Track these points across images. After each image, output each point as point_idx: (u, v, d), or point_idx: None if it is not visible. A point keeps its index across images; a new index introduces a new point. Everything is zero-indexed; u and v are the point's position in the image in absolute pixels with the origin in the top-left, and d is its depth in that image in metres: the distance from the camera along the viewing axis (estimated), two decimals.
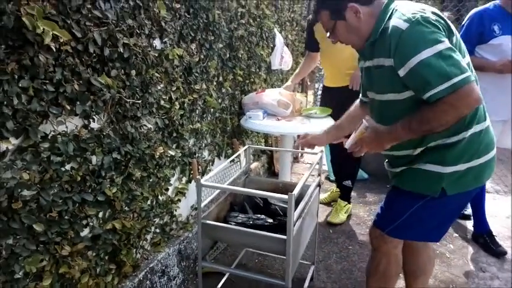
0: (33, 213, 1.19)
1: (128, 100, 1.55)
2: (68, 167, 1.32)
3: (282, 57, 3.22)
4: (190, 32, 1.96)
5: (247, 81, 2.77)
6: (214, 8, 2.13)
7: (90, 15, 1.30)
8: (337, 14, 1.35)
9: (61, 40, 1.18)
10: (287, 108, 2.57)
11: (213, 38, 2.17)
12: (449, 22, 1.24)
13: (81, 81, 1.30)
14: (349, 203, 2.84)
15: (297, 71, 2.91)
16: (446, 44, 1.15)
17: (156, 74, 1.70)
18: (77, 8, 1.25)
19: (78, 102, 1.30)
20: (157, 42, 1.72)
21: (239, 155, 2.51)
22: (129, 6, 1.50)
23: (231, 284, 2.08)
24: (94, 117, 1.40)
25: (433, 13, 1.22)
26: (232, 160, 2.60)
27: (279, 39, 3.13)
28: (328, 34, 1.45)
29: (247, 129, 2.66)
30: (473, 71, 1.27)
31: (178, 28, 1.86)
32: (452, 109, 1.16)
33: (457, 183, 1.32)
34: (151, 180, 1.79)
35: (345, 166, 2.79)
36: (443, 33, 1.18)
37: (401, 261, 1.60)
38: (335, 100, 2.66)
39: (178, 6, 1.81)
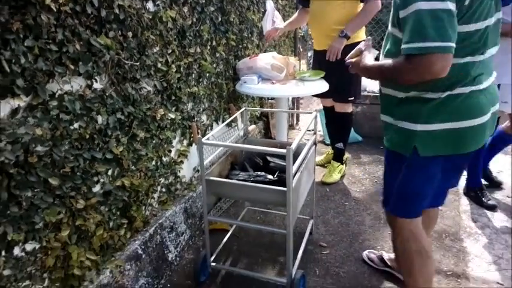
0: (48, 167, 1.27)
1: (127, 62, 1.60)
2: (76, 125, 1.38)
3: (273, 21, 3.22)
4: None
5: (240, 47, 2.81)
6: None
7: None
8: None
9: (60, 1, 1.23)
10: (281, 71, 2.62)
11: (204, 1, 2.20)
12: None
13: (81, 42, 1.35)
14: (342, 163, 2.94)
15: (289, 20, 2.95)
16: (445, 5, 1.10)
17: (152, 36, 1.74)
18: None
19: (80, 63, 1.36)
20: (150, 5, 1.76)
21: (236, 118, 2.59)
22: None
23: (235, 239, 2.19)
24: (96, 78, 1.46)
25: None
26: (230, 124, 2.68)
27: (270, 4, 3.14)
28: None
29: (243, 94, 2.71)
30: (486, 38, 1.23)
31: None
32: (413, 71, 1.15)
33: (430, 145, 1.29)
34: (154, 141, 1.87)
35: (337, 129, 2.90)
36: None
37: (422, 236, 1.49)
38: (324, 63, 2.71)
39: None
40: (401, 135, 1.36)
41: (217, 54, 2.46)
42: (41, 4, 1.16)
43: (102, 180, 1.55)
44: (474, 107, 1.27)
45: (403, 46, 1.16)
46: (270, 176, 1.96)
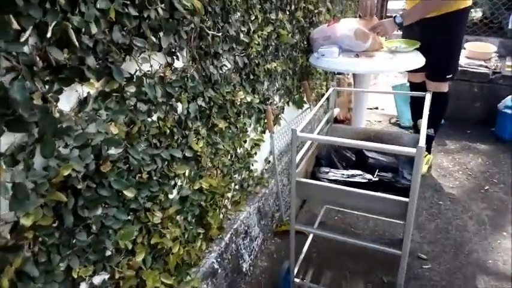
0: (122, 175, 0.94)
1: (209, 32, 1.23)
2: (155, 117, 1.05)
3: None
4: None
5: (316, 12, 2.37)
6: None
7: None
8: None
9: None
10: (366, 40, 2.17)
11: None
12: None
13: (163, 5, 0.98)
14: (430, 153, 2.52)
15: None
16: None
17: None
18: None
19: (162, 33, 1.00)
20: None
21: (308, 97, 2.20)
22: None
23: (313, 243, 1.87)
24: (177, 54, 1.10)
25: None
26: (301, 105, 2.30)
27: None
28: None
29: (321, 69, 2.31)
30: None
31: None
32: None
33: None
34: (231, 131, 1.52)
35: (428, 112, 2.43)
36: None
37: None
38: (418, 31, 2.25)
39: None
40: None
41: (294, 21, 2.05)
42: None
43: (179, 183, 1.23)
44: None
45: None
46: (368, 176, 1.59)
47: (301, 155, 1.50)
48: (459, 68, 3.15)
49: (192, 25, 1.12)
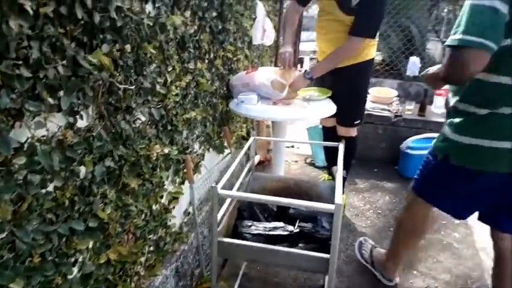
0: (7, 265, 0.78)
1: (121, 86, 1.13)
2: (51, 187, 0.90)
3: (264, 30, 2.85)
4: None
5: (235, 59, 2.39)
6: None
7: None
8: None
9: None
10: (283, 89, 2.24)
11: (206, 4, 1.76)
12: None
13: (65, 61, 0.87)
14: (343, 193, 2.64)
15: (285, 30, 2.46)
16: (492, 2, 1.10)
17: (152, 50, 1.28)
18: None
19: (62, 93, 0.88)
20: (149, 7, 1.30)
21: (227, 142, 2.17)
22: None
23: None
24: (82, 112, 0.98)
25: None
26: (221, 150, 2.26)
27: (261, 9, 2.76)
28: None
29: (240, 115, 2.30)
30: None
31: None
32: (450, 65, 1.19)
33: (459, 155, 1.38)
34: (145, 187, 1.40)
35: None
36: None
37: (424, 222, 1.67)
38: (328, 81, 2.40)
39: None
40: (441, 138, 1.47)
41: (213, 69, 2.03)
42: (9, 3, 0.68)
43: (80, 259, 1.07)
44: (508, 129, 1.26)
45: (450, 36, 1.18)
46: (290, 228, 1.59)
47: (223, 211, 1.44)
48: (365, 112, 3.43)
49: (100, 81, 1.01)
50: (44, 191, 0.88)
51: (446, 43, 1.19)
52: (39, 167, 0.84)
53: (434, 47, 4.94)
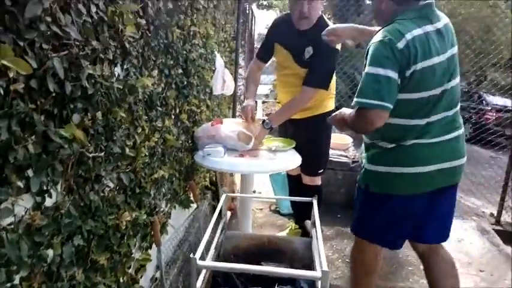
0: None
1: (90, 155, 1.06)
2: (17, 279, 0.79)
3: (224, 81, 2.89)
4: (152, 55, 1.52)
5: (199, 111, 2.37)
6: (172, 25, 1.72)
7: (48, 32, 0.82)
8: None
9: (11, 75, 0.69)
10: (249, 141, 2.24)
11: (172, 62, 1.75)
12: (418, 53, 1.38)
13: (35, 137, 0.80)
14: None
15: (248, 85, 2.57)
16: (386, 71, 1.37)
17: (122, 114, 1.23)
18: (30, 22, 0.76)
19: (31, 171, 0.80)
20: (118, 70, 1.26)
21: (194, 195, 2.10)
22: (91, 21, 1.03)
23: None
24: (51, 190, 0.89)
25: (407, 43, 1.37)
26: (187, 205, 2.17)
27: (220, 62, 2.81)
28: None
29: (208, 168, 2.25)
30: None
31: (140, 50, 1.42)
32: (356, 121, 1.48)
33: (378, 183, 1.59)
34: (113, 260, 1.28)
35: (305, 204, 2.56)
36: (397, 62, 1.37)
37: (372, 264, 1.75)
38: (291, 131, 2.45)
39: (143, 22, 1.37)
40: (362, 172, 1.67)
41: (179, 123, 1.99)
42: None
43: None
44: (416, 157, 1.51)
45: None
46: None
47: (200, 282, 1.35)
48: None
49: (71, 154, 0.94)
50: (9, 285, 0.77)
51: (353, 103, 1.44)
52: (6, 258, 0.74)
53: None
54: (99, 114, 1.07)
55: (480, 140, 5.83)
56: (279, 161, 2.18)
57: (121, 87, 1.21)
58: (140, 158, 1.41)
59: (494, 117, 7.24)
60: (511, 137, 6.28)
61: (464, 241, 2.92)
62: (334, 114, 1.73)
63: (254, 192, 3.88)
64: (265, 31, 2.92)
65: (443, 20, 1.51)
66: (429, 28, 1.44)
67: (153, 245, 1.65)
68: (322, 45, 2.03)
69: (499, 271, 2.49)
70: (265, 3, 13.71)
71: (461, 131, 1.58)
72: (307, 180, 2.52)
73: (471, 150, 7.42)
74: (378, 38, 1.42)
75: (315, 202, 1.74)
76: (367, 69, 1.41)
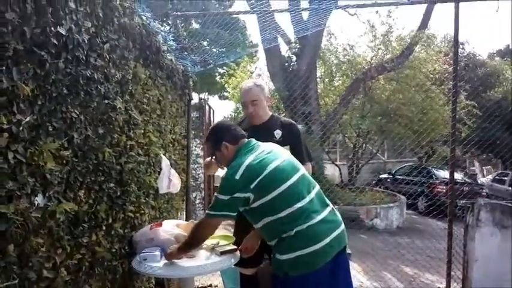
0: None
1: (3, 285, 1.15)
2: None
3: (170, 180, 3.07)
4: (79, 177, 1.69)
5: (138, 215, 2.49)
6: (104, 146, 1.92)
7: None
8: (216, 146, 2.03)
9: None
10: None
11: (103, 178, 1.92)
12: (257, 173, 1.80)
13: None
14: None
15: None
16: (231, 195, 1.80)
17: (39, 240, 1.35)
18: None
19: None
20: (39, 199, 1.40)
21: None
22: (9, 166, 1.20)
23: None
24: None
25: (247, 170, 1.81)
26: None
27: (165, 163, 3.01)
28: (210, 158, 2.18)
29: (143, 275, 2.29)
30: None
31: (65, 176, 1.58)
32: (199, 228, 2.00)
33: (294, 267, 1.77)
34: None
35: None
36: (241, 187, 1.79)
37: None
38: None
39: (67, 153, 1.56)
40: (276, 263, 1.84)
41: (112, 232, 2.09)
42: None
43: None
44: (318, 235, 1.78)
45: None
46: None
47: None
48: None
49: None
50: None
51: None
52: None
53: (332, 170, 5.64)
54: (11, 247, 1.19)
55: (434, 211, 6.10)
56: (220, 260, 2.22)
57: (39, 215, 1.35)
58: (60, 278, 1.49)
59: (444, 190, 7.66)
60: (460, 207, 6.61)
61: None
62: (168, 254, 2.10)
63: (210, 286, 3.86)
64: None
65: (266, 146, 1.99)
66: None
67: None
68: (286, 130, 2.46)
69: None
70: (226, 94, 14.74)
71: (330, 205, 1.94)
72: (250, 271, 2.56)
73: (426, 224, 7.79)
74: (226, 171, 1.92)
75: None
76: (218, 195, 1.86)
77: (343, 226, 1.93)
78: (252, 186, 1.79)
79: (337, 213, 1.96)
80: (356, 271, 4.35)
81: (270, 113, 2.63)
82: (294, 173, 1.87)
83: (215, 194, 1.89)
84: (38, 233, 1.35)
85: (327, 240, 1.79)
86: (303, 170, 1.95)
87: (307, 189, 1.88)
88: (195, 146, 6.58)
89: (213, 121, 8.48)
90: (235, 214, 1.87)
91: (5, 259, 1.17)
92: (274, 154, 1.91)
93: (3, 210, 1.14)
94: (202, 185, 6.81)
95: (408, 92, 8.02)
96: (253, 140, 2.02)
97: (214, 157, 2.09)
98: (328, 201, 1.95)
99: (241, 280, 2.72)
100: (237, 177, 1.80)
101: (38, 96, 1.37)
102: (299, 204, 1.80)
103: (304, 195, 1.83)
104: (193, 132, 5.80)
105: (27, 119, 1.29)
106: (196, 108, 6.52)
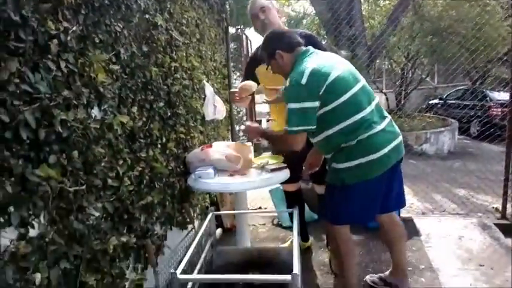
0: None
1: (71, 189, 1.22)
2: None
3: (215, 106, 3.06)
4: (130, 94, 1.70)
5: (188, 137, 2.53)
6: (150, 65, 1.90)
7: (18, 91, 0.99)
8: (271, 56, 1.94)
9: None
10: (237, 162, 2.37)
11: (152, 97, 1.93)
12: (327, 79, 1.73)
13: (13, 179, 0.96)
14: (308, 240, 2.89)
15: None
16: (301, 104, 1.73)
17: (100, 150, 1.39)
18: (1, 85, 0.94)
19: (12, 208, 0.96)
20: (95, 111, 1.43)
21: (191, 218, 2.22)
22: (62, 74, 1.20)
23: None
24: (33, 222, 1.05)
25: (312, 75, 1.72)
26: (185, 226, 2.30)
27: (209, 90, 2.99)
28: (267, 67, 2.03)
29: (199, 191, 2.39)
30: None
31: (117, 91, 1.59)
32: (283, 142, 1.95)
33: (352, 175, 1.80)
34: (105, 281, 1.43)
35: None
36: (309, 93, 1.72)
37: (350, 241, 2.02)
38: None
39: (116, 67, 1.55)
40: (333, 172, 1.88)
41: (167, 151, 2.15)
42: None
43: None
44: (378, 144, 1.77)
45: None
46: None
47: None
48: None
49: (49, 189, 1.10)
50: None
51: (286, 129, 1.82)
52: None
53: (378, 98, 5.39)
54: (75, 153, 1.23)
55: (489, 135, 5.75)
56: (269, 177, 2.28)
57: (98, 126, 1.38)
58: (124, 187, 1.56)
59: (499, 113, 7.16)
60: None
61: (464, 238, 2.92)
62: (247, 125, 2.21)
63: (260, 208, 4.00)
64: None
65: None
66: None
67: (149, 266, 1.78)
68: (305, 42, 2.24)
69: (499, 264, 2.49)
70: None
71: (389, 117, 1.90)
72: (318, 189, 2.61)
73: (480, 147, 7.43)
74: (288, 80, 1.79)
75: (295, 212, 1.85)
76: (289, 105, 1.77)
77: (401, 137, 1.89)
78: (320, 92, 1.72)
79: (395, 124, 1.91)
80: (406, 193, 4.30)
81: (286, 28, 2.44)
82: (355, 83, 1.80)
83: (286, 106, 1.80)
84: (98, 143, 1.39)
85: (386, 150, 1.77)
86: (363, 81, 1.86)
87: (367, 100, 1.82)
88: (235, 79, 6.50)
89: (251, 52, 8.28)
90: (314, 127, 1.79)
91: (71, 164, 1.22)
92: (335, 63, 1.82)
93: (64, 117, 1.17)
94: (244, 118, 6.83)
95: (462, 7, 7.22)
96: (311, 48, 1.92)
97: (270, 67, 2.01)
98: (386, 113, 1.90)
99: (287, 197, 2.80)
100: (303, 81, 1.72)
101: (81, 6, 1.34)
102: (361, 114, 1.76)
103: (365, 105, 1.79)
104: (232, 64, 5.69)
105: (74, 28, 1.27)
106: (234, 38, 6.32)
